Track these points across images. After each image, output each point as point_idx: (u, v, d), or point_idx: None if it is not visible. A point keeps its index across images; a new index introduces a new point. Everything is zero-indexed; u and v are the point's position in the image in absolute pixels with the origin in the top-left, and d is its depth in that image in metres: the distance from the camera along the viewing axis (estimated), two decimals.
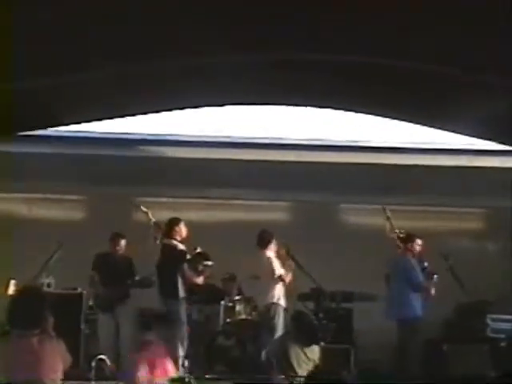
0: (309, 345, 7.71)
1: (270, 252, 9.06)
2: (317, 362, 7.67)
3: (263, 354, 8.35)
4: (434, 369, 8.08)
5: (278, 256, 9.06)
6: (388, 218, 9.30)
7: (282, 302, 8.97)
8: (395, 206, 10.65)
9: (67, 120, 9.41)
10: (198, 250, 8.91)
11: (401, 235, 9.16)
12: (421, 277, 8.73)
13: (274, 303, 8.90)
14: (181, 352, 8.66)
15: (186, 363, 8.63)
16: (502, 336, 8.32)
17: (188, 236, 8.91)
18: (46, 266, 8.71)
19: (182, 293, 8.75)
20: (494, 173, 10.35)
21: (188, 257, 8.80)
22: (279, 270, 8.96)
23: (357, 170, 10.37)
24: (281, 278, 8.92)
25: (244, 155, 10.53)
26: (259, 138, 10.86)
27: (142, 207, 9.31)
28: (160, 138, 10.80)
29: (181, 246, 8.91)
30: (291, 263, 9.01)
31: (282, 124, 10.79)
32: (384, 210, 9.34)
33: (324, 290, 9.22)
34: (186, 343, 8.72)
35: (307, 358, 7.62)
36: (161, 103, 9.26)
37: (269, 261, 8.97)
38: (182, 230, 9.00)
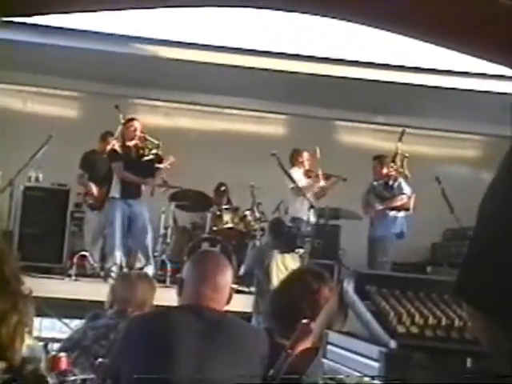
0: (285, 251, 7.67)
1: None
2: None
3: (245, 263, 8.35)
4: None
5: None
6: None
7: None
8: (391, 127, 10.49)
9: (59, 8, 8.98)
10: None
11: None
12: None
13: None
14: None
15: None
16: None
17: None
18: (33, 158, 8.54)
19: None
20: (496, 99, 10.05)
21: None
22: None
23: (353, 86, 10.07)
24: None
25: (246, 62, 10.20)
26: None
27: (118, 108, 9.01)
28: (161, 38, 10.45)
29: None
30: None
31: (287, 34, 10.40)
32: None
33: (314, 205, 9.13)
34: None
35: (285, 268, 7.57)
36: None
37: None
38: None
